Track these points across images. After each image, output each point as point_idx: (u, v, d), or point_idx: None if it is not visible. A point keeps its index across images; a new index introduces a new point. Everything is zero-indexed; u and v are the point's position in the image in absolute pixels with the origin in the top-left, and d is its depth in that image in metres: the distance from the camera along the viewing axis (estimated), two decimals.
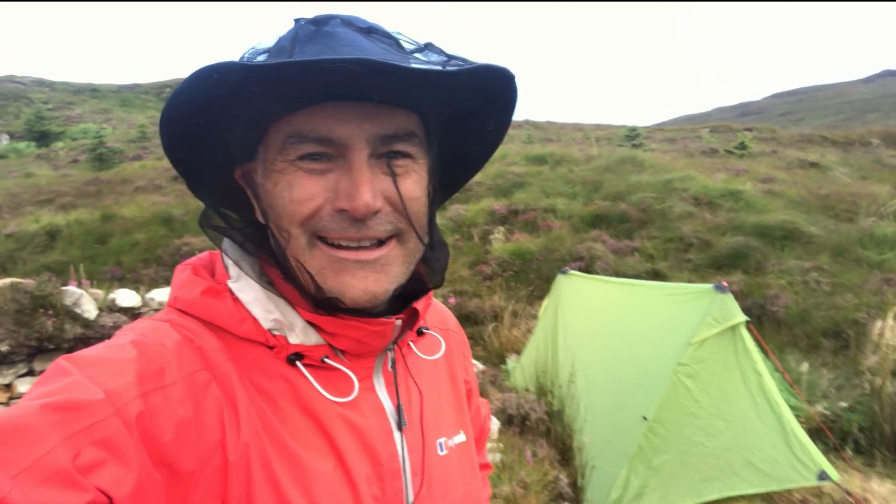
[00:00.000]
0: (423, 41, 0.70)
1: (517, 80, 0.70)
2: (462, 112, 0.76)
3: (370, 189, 0.66)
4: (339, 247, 0.68)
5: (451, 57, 0.67)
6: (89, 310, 4.41)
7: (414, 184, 0.71)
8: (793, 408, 4.93)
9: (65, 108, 38.37)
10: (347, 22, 0.68)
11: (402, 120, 0.69)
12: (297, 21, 0.69)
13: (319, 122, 0.65)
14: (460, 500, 0.85)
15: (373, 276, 0.69)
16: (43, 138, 26.71)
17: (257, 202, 0.72)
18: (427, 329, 0.93)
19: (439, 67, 0.63)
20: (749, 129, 26.30)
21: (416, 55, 0.68)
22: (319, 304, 0.70)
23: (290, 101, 0.63)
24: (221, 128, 0.66)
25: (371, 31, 0.68)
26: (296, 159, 0.66)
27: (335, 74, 0.57)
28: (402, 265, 0.72)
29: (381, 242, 0.70)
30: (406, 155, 0.70)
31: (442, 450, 0.85)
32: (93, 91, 46.76)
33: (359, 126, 0.66)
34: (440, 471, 0.83)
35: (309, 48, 0.64)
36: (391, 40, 0.69)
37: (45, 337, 4.14)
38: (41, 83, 47.19)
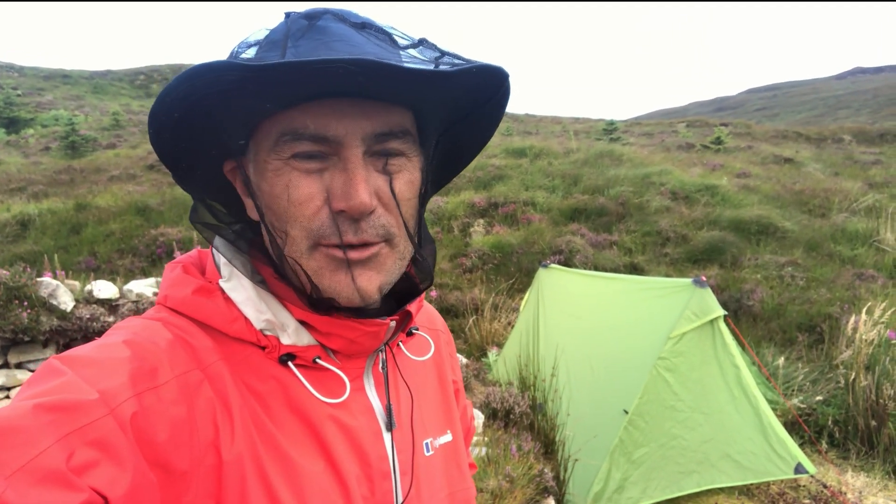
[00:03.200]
0: (416, 37, 0.69)
1: (510, 79, 0.70)
2: (461, 111, 0.75)
3: (366, 188, 0.65)
4: (336, 248, 0.67)
5: (444, 53, 0.66)
6: (66, 301, 4.34)
7: (406, 183, 0.70)
8: (770, 401, 5.03)
9: (35, 94, 37.59)
10: (340, 17, 0.66)
11: (396, 117, 0.68)
12: (287, 15, 0.68)
13: (314, 120, 0.63)
14: (446, 500, 0.86)
15: (366, 274, 0.68)
16: (12, 125, 26.14)
17: (251, 199, 0.71)
18: (417, 329, 0.93)
19: (432, 66, 0.62)
20: (725, 125, 26.64)
21: (410, 51, 0.67)
22: (315, 303, 0.69)
23: (284, 99, 0.62)
24: (212, 124, 0.65)
25: (364, 26, 0.67)
26: (290, 158, 0.65)
27: (332, 74, 0.57)
28: (394, 264, 0.72)
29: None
30: (400, 153, 0.69)
31: (428, 450, 0.85)
32: (64, 77, 45.85)
33: (354, 123, 0.65)
34: (426, 471, 0.83)
35: (302, 44, 0.63)
36: (385, 35, 0.67)
37: (21, 329, 4.07)
38: (10, 68, 46.16)
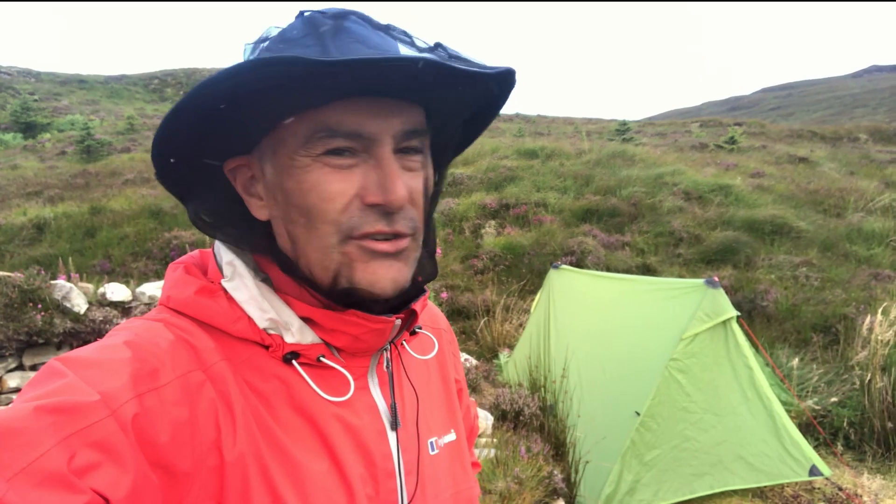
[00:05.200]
0: (432, 41, 0.70)
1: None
2: (467, 111, 0.76)
3: (402, 183, 0.66)
4: (370, 239, 0.68)
5: (452, 56, 0.67)
6: (79, 304, 4.38)
7: (425, 180, 0.72)
8: (783, 403, 4.97)
9: (51, 100, 37.99)
10: (365, 19, 0.67)
11: (417, 116, 0.69)
12: (301, 14, 0.68)
13: (349, 117, 0.64)
14: (451, 499, 0.85)
15: (397, 265, 0.69)
16: (29, 130, 26.40)
17: (258, 198, 0.72)
18: (420, 329, 0.93)
19: (479, 69, 0.65)
20: (739, 124, 26.44)
21: (427, 55, 0.66)
22: (335, 296, 0.70)
23: (327, 94, 0.62)
24: (236, 119, 0.64)
25: (388, 28, 0.68)
26: (321, 154, 0.65)
27: (391, 71, 0.59)
28: (416, 258, 0.73)
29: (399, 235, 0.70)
30: (419, 151, 0.71)
31: (433, 449, 0.85)
32: (80, 82, 46.31)
33: (386, 121, 0.66)
34: (431, 470, 0.83)
35: (340, 44, 0.63)
36: (407, 38, 0.68)
37: (35, 331, 4.11)
38: (27, 74, 46.67)
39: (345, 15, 0.66)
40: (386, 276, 0.69)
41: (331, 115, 0.64)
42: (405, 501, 0.76)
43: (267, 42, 0.68)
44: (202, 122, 0.63)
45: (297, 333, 0.72)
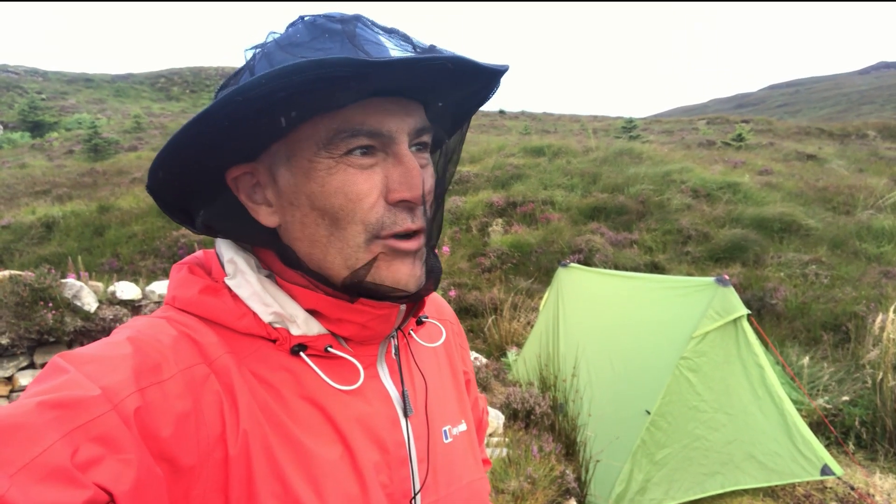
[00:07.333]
0: (427, 43, 0.71)
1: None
2: (459, 107, 0.78)
3: (423, 177, 0.69)
4: (396, 238, 0.69)
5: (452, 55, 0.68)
6: (89, 302, 4.39)
7: (431, 175, 0.74)
8: (794, 401, 4.95)
9: (59, 98, 38.19)
10: (371, 23, 0.68)
11: (422, 113, 0.71)
12: (302, 19, 0.68)
13: (369, 117, 0.65)
14: (465, 488, 0.85)
15: (417, 262, 0.72)
16: (37, 129, 26.57)
17: (273, 203, 0.71)
18: (427, 318, 0.95)
19: (495, 64, 0.69)
20: (746, 121, 26.35)
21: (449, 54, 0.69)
22: (350, 289, 0.70)
23: (354, 95, 0.63)
24: (254, 123, 0.63)
25: (391, 32, 0.69)
26: (343, 155, 0.66)
27: (424, 71, 0.62)
28: (424, 251, 0.75)
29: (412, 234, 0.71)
30: (427, 147, 0.74)
31: (447, 437, 0.86)
32: (87, 81, 46.50)
33: (402, 119, 0.68)
34: (445, 458, 0.83)
35: (365, 47, 0.64)
36: (408, 41, 0.69)
37: (46, 330, 4.12)
38: (34, 73, 46.90)
39: (350, 20, 0.67)
40: (410, 273, 0.70)
41: (352, 116, 0.65)
42: (418, 489, 0.77)
43: (272, 46, 0.68)
44: (232, 125, 0.62)
45: (302, 325, 0.72)
